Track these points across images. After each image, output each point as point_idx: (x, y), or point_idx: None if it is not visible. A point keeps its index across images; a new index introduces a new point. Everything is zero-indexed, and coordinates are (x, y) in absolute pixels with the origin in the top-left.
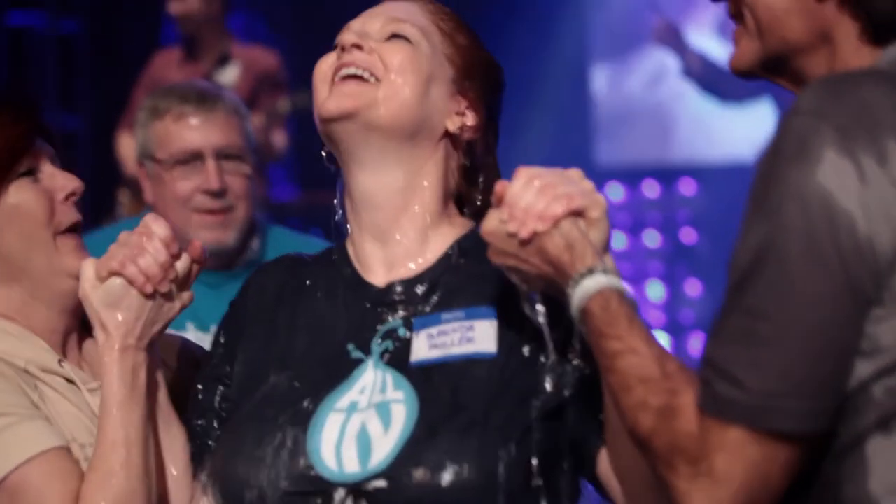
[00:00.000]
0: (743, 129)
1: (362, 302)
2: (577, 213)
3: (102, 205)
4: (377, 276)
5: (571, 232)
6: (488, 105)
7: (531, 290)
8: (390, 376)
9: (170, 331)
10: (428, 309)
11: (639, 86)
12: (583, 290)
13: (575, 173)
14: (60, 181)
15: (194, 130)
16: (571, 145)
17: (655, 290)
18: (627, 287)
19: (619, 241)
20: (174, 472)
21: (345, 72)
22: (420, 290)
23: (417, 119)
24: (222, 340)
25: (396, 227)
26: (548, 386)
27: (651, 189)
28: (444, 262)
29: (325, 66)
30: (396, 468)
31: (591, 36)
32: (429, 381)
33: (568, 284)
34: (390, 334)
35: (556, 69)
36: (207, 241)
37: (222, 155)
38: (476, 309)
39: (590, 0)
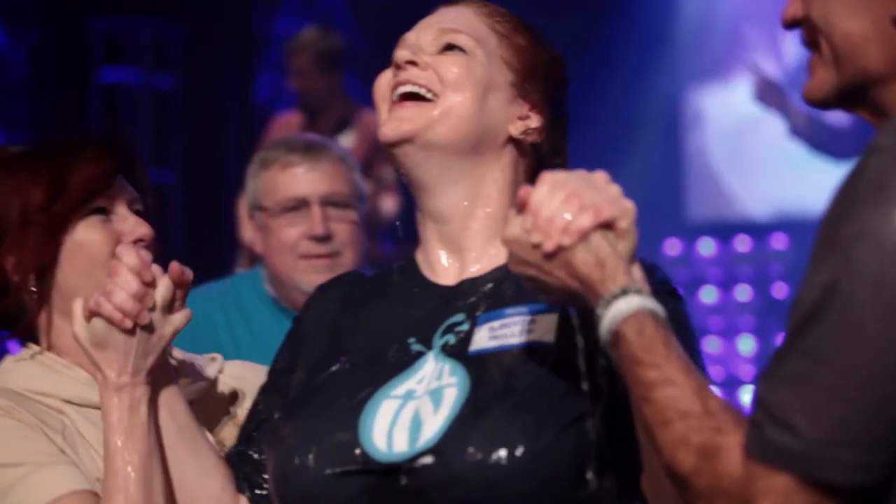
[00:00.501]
0: (834, 185)
1: (429, 302)
2: (607, 226)
3: (195, 258)
4: (447, 279)
5: (601, 247)
6: (553, 104)
7: (551, 301)
8: (448, 365)
9: None
10: (493, 305)
11: (731, 140)
12: (616, 312)
13: (601, 177)
14: (131, 225)
15: (300, 178)
16: (662, 200)
17: (746, 344)
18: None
19: (711, 295)
20: (210, 489)
21: (401, 90)
22: (487, 287)
23: (478, 132)
24: (283, 353)
25: (466, 235)
26: (584, 387)
27: (743, 243)
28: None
29: (384, 83)
30: (443, 445)
31: (684, 90)
32: (484, 367)
33: (598, 304)
34: (452, 328)
35: (649, 122)
36: (314, 285)
37: (328, 202)
38: (541, 305)
39: (683, 55)
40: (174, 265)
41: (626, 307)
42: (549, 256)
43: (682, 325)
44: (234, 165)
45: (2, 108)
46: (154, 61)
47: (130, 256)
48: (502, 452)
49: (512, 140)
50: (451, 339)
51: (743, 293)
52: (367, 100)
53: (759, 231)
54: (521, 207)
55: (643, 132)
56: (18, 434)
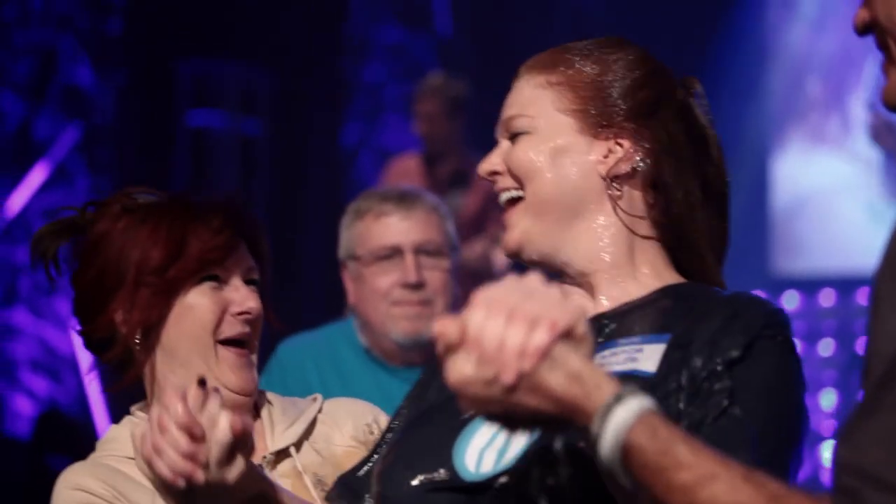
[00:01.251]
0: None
1: None
2: (564, 335)
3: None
4: None
5: (569, 359)
6: (635, 113)
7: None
8: None
9: None
10: (611, 336)
11: (817, 193)
12: (618, 423)
13: (535, 281)
14: (241, 296)
15: (393, 227)
16: (748, 254)
17: (828, 399)
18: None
19: None
20: None
21: (502, 198)
22: (608, 322)
23: (568, 198)
24: (400, 408)
25: (597, 282)
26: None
27: (827, 298)
28: (644, 300)
29: (484, 186)
30: (519, 465)
31: (771, 142)
32: None
33: (591, 421)
34: None
35: (735, 175)
36: (406, 332)
37: (421, 250)
38: (654, 336)
39: (771, 102)
40: (234, 418)
41: (627, 414)
42: (512, 388)
43: (773, 385)
44: (318, 211)
45: (89, 150)
46: (241, 105)
47: (176, 410)
48: (571, 474)
49: (609, 179)
50: None
51: (826, 348)
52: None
53: (844, 285)
54: (456, 342)
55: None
56: None
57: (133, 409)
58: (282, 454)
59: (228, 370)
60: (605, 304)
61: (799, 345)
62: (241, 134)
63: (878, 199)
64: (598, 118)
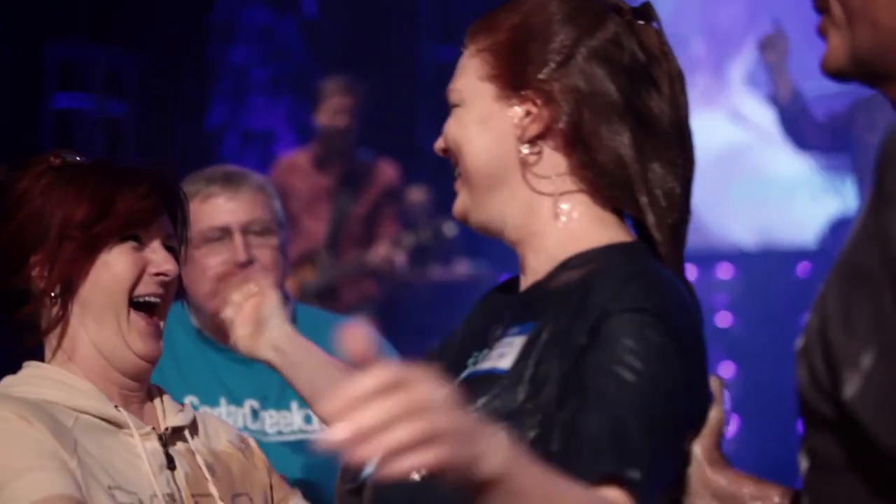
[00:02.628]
0: (779, 215)
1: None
2: None
3: None
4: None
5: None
6: (550, 69)
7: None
8: None
9: (204, 406)
10: (510, 323)
11: (707, 161)
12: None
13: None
14: (160, 258)
15: (220, 207)
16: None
17: (726, 371)
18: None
19: None
20: None
21: (456, 173)
22: (515, 308)
23: (490, 169)
24: None
25: (527, 256)
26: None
27: (688, 273)
28: (546, 279)
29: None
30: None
31: None
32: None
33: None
34: (483, 350)
35: None
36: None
37: (249, 230)
38: (529, 325)
39: None
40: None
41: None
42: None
43: (614, 341)
44: None
45: None
46: (107, 88)
47: None
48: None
49: (526, 143)
50: (476, 359)
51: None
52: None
53: (704, 260)
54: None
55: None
56: (30, 439)
57: (29, 363)
58: (176, 434)
59: (137, 335)
60: (526, 280)
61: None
62: (107, 116)
63: (781, 128)
64: (513, 80)
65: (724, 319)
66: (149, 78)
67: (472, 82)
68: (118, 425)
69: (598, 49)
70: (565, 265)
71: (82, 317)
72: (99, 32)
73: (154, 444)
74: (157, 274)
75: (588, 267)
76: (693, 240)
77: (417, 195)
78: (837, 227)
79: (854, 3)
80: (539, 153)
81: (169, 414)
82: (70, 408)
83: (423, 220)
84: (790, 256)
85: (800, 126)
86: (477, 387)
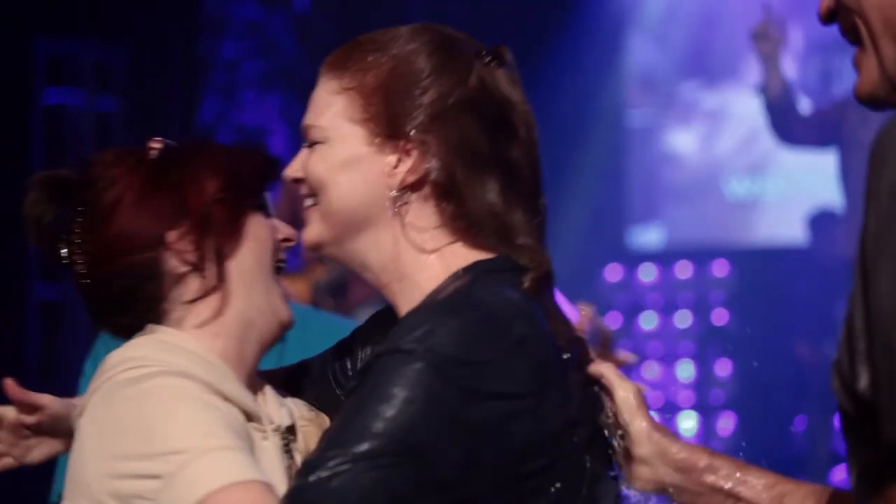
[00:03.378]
0: (776, 213)
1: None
2: None
3: None
4: None
5: None
6: (425, 120)
7: None
8: None
9: None
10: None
11: (674, 168)
12: None
13: None
14: (281, 225)
15: None
16: (605, 227)
17: (685, 370)
18: None
19: (651, 321)
20: None
21: (306, 204)
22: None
23: (356, 212)
24: None
25: (396, 301)
26: None
27: (684, 270)
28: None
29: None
30: None
31: (629, 116)
32: None
33: None
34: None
35: (594, 148)
36: None
37: None
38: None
39: (631, 76)
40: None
41: None
42: None
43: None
44: None
45: None
46: (97, 83)
47: None
48: None
49: (398, 191)
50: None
51: (683, 319)
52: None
53: (700, 257)
54: None
55: (587, 156)
56: (219, 413)
57: (163, 330)
58: (287, 431)
59: (280, 301)
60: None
61: (655, 317)
62: (97, 111)
63: (768, 119)
64: (385, 128)
65: (720, 317)
66: (139, 73)
67: (338, 122)
68: (252, 418)
69: (468, 99)
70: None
71: (235, 286)
72: (88, 27)
73: (278, 442)
74: (284, 240)
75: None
76: (689, 236)
77: None
78: (828, 224)
79: (876, 22)
80: (408, 203)
81: (272, 407)
82: (218, 391)
83: None
84: (785, 253)
85: (787, 120)
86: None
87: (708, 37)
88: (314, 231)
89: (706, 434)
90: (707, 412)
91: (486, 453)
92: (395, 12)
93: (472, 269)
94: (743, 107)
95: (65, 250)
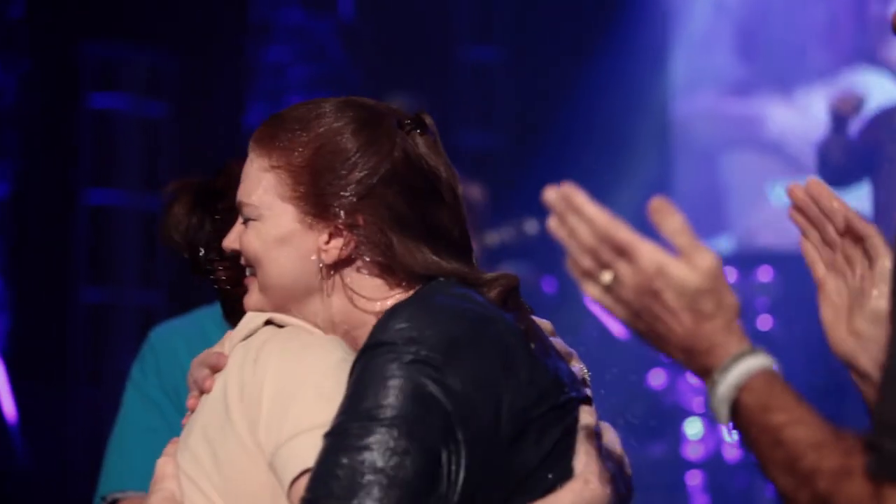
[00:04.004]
0: None
1: None
2: None
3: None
4: None
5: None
6: (352, 197)
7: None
8: None
9: None
10: None
11: (718, 174)
12: (739, 376)
13: None
14: None
15: None
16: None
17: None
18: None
19: None
20: None
21: (248, 272)
22: None
23: (291, 286)
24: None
25: (360, 340)
26: None
27: (728, 276)
28: None
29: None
30: None
31: (673, 123)
32: None
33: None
34: None
35: (639, 155)
36: None
37: None
38: None
39: (675, 85)
40: None
41: (747, 370)
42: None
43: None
44: None
45: None
46: (146, 88)
47: None
48: None
49: (331, 265)
50: None
51: None
52: None
53: (745, 263)
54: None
55: (631, 158)
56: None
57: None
58: None
59: None
60: None
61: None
62: (145, 116)
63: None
64: (315, 206)
65: (765, 322)
66: (187, 78)
67: (270, 199)
68: None
69: (394, 174)
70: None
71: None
72: (136, 32)
73: None
74: None
75: None
76: (733, 242)
77: (475, 192)
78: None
79: None
80: (344, 271)
81: None
82: None
83: (506, 218)
84: None
85: (841, 173)
86: None
87: (750, 45)
88: (255, 300)
89: None
90: None
91: (465, 430)
92: (440, 18)
93: (429, 286)
94: (784, 114)
95: (205, 256)
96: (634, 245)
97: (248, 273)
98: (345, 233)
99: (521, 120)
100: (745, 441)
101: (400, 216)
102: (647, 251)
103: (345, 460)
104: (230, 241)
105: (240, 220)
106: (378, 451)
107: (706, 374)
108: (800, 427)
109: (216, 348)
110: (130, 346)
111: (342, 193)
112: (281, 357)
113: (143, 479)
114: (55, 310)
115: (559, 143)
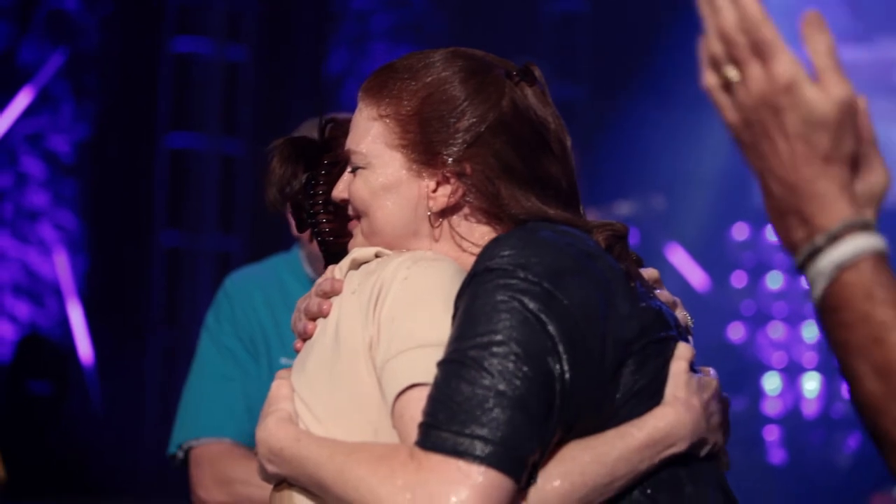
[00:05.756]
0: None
1: None
2: None
3: (265, 227)
4: None
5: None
6: (461, 145)
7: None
8: None
9: None
10: None
11: None
12: (855, 249)
13: None
14: None
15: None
16: (732, 186)
17: (810, 331)
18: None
19: (777, 281)
20: None
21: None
22: None
23: (402, 235)
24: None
25: None
26: None
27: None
28: None
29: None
30: None
31: None
32: None
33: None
34: None
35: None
36: None
37: None
38: None
39: None
40: None
41: (860, 247)
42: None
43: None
44: None
45: (74, 76)
46: (227, 32)
47: None
48: None
49: (439, 213)
50: None
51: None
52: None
53: None
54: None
55: (714, 115)
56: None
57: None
58: None
59: None
60: None
61: (781, 277)
62: (225, 60)
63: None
64: (423, 154)
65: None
66: (269, 23)
67: (378, 148)
68: None
69: (502, 122)
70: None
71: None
72: None
73: None
74: None
75: None
76: None
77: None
78: None
79: None
80: (451, 222)
81: None
82: None
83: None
84: None
85: None
86: None
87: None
88: (358, 242)
89: (829, 395)
90: (831, 373)
91: (571, 356)
92: None
93: (534, 223)
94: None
95: (312, 212)
96: (776, 48)
97: (354, 220)
98: (452, 180)
99: (603, 72)
100: (830, 322)
101: (507, 165)
102: (787, 60)
103: (464, 386)
104: (339, 191)
105: (348, 169)
106: (498, 376)
107: (803, 223)
108: None
109: (325, 276)
110: (207, 292)
111: (450, 141)
112: (399, 280)
113: (219, 428)
114: (133, 253)
115: (641, 96)
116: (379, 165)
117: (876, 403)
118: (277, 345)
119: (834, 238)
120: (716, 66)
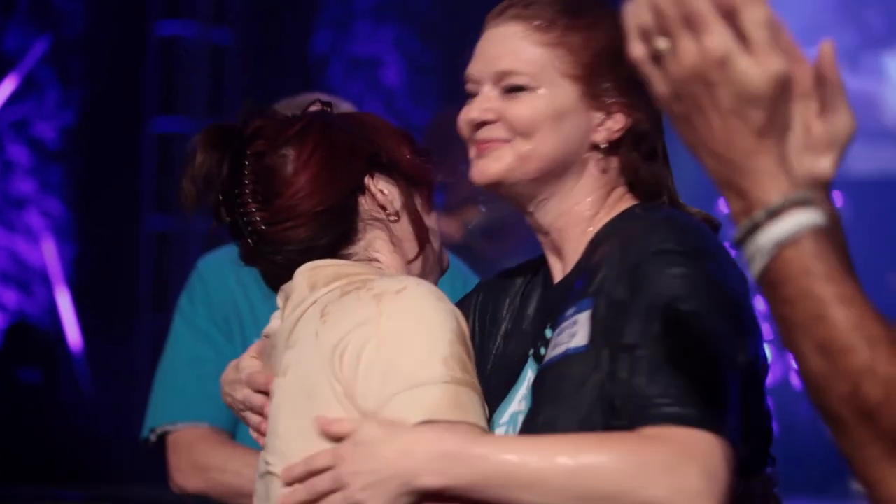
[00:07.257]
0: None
1: (542, 305)
2: None
3: None
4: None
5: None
6: (632, 89)
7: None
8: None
9: None
10: (566, 306)
11: None
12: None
13: None
14: None
15: None
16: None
17: None
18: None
19: None
20: None
21: (479, 135)
22: (563, 290)
23: (558, 161)
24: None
25: (565, 243)
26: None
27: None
28: (583, 258)
29: (464, 126)
30: None
31: None
32: (542, 386)
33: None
34: (543, 334)
35: None
36: None
37: None
38: (583, 301)
39: None
40: None
41: (799, 224)
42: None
43: (663, 304)
44: None
45: (58, 62)
46: (212, 15)
47: None
48: None
49: (600, 146)
50: (542, 349)
51: None
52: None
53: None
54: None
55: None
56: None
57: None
58: None
59: (442, 248)
60: (562, 262)
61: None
62: (211, 43)
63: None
64: (595, 88)
65: None
66: (253, 4)
67: (550, 75)
68: None
69: None
70: (595, 241)
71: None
72: None
73: None
74: None
75: (616, 234)
76: None
77: None
78: None
79: None
80: (608, 158)
81: None
82: None
83: None
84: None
85: None
86: (562, 368)
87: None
88: (503, 163)
89: None
90: None
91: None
92: None
93: (667, 207)
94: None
95: (238, 207)
96: (708, 22)
97: (497, 141)
98: (617, 115)
99: None
100: (771, 298)
101: (658, 111)
102: (719, 34)
103: (698, 366)
104: (482, 112)
105: (487, 89)
106: (729, 344)
107: (740, 197)
108: (852, 309)
109: (278, 303)
110: None
111: (619, 78)
112: (372, 323)
113: (193, 411)
114: (121, 238)
115: None
116: (550, 91)
117: (820, 381)
118: (252, 325)
119: (773, 214)
120: (645, 36)
